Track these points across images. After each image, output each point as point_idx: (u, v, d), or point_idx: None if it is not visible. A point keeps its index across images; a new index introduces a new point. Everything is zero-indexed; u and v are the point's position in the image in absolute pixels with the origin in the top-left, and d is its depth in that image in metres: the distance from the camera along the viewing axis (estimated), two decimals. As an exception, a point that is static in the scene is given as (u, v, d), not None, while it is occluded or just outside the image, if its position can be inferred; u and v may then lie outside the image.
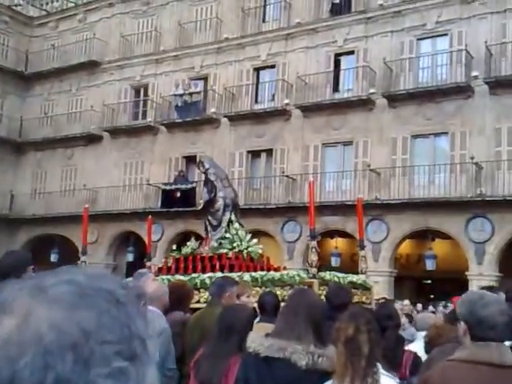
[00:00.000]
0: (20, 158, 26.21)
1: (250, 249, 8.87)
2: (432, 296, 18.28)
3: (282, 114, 20.69)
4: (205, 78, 22.66)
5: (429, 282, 20.09)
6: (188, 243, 9.25)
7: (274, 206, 19.83)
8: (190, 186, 21.51)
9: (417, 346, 4.93)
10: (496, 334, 2.42)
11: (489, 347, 2.40)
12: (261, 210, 19.94)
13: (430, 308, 14.52)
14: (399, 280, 18.80)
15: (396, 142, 18.95)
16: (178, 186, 21.49)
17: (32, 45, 26.61)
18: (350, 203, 18.78)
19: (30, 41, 26.63)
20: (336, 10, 20.94)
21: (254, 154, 21.45)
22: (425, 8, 19.37)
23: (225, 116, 21.57)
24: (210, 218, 9.13)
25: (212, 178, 9.18)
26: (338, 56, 20.67)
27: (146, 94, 23.88)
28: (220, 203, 8.99)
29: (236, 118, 21.36)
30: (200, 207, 9.51)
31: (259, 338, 3.00)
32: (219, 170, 9.61)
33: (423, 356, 4.34)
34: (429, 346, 4.26)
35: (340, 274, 8.42)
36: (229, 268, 8.19)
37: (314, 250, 7.76)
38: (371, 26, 20.08)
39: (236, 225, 9.00)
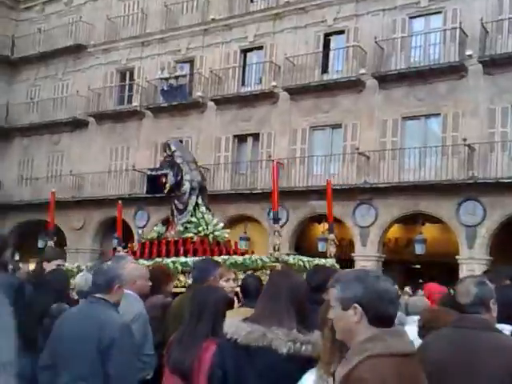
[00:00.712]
0: (6, 145, 25.77)
1: (216, 233, 8.46)
2: (421, 281, 17.67)
3: (269, 96, 20.03)
4: (191, 61, 22.04)
5: (418, 266, 19.47)
6: (154, 227, 8.89)
7: (260, 191, 19.21)
8: (175, 171, 20.90)
9: (408, 331, 4.42)
10: (395, 308, 2.16)
11: (401, 335, 2.11)
12: (247, 195, 19.38)
13: (420, 292, 13.92)
14: (387, 264, 18.22)
15: (386, 125, 18.27)
16: (164, 171, 20.82)
17: (18, 29, 26.07)
18: (338, 187, 18.18)
19: (17, 25, 26.08)
20: (326, -12, 20.20)
21: (241, 139, 20.83)
22: (419, -15, 18.60)
23: (211, 100, 20.94)
24: (176, 201, 8.72)
25: (178, 160, 8.77)
26: (327, 36, 19.97)
27: (131, 78, 23.30)
28: (186, 186, 8.57)
29: (222, 102, 20.74)
30: (165, 191, 9.16)
31: (237, 323, 2.72)
32: (186, 152, 9.27)
33: (415, 340, 3.85)
34: (423, 330, 3.87)
35: (305, 258, 7.90)
36: (192, 252, 7.80)
37: (277, 233, 7.33)
38: (362, 4, 19.32)
39: (202, 208, 8.59)
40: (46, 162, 24.67)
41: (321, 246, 18.73)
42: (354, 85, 18.74)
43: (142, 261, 7.54)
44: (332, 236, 8.37)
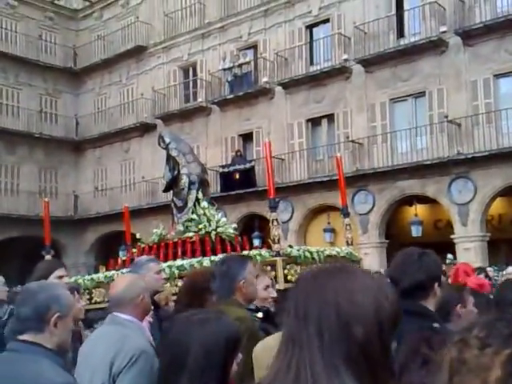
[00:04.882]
0: (79, 157, 25.53)
1: (219, 229, 7.52)
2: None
3: (341, 72, 18.29)
4: (254, 47, 20.66)
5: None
6: (154, 230, 7.96)
7: (340, 177, 17.49)
8: (248, 165, 19.66)
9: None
10: None
11: None
12: (326, 182, 17.71)
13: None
14: (493, 244, 15.97)
15: (476, 85, 16.06)
16: (236, 167, 19.70)
17: (79, 39, 25.74)
18: (429, 163, 16.25)
19: (77, 35, 25.76)
20: None
21: (314, 122, 19.18)
22: None
23: (279, 84, 19.45)
24: (174, 198, 7.99)
25: (174, 153, 8.04)
26: (399, -3, 17.99)
27: (194, 74, 22.26)
28: (184, 181, 7.86)
29: (291, 85, 19.18)
30: (162, 189, 8.64)
31: None
32: (182, 143, 8.50)
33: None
34: None
35: (313, 249, 6.78)
36: (191, 253, 6.92)
37: (275, 222, 6.36)
38: (435, -44, 17.22)
39: (204, 203, 7.73)
40: (118, 170, 24.15)
41: (415, 231, 16.83)
42: (435, 46, 16.69)
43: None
44: (347, 220, 7.72)
